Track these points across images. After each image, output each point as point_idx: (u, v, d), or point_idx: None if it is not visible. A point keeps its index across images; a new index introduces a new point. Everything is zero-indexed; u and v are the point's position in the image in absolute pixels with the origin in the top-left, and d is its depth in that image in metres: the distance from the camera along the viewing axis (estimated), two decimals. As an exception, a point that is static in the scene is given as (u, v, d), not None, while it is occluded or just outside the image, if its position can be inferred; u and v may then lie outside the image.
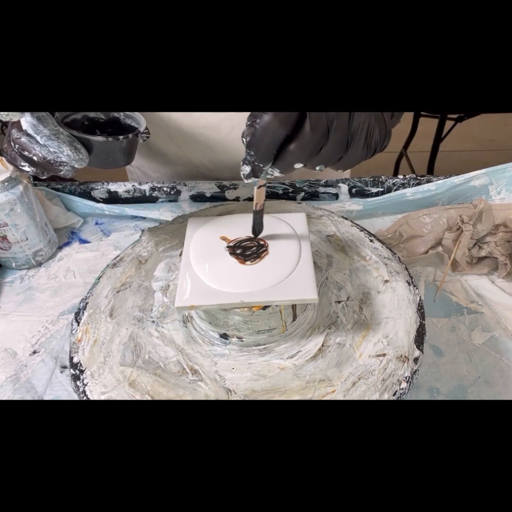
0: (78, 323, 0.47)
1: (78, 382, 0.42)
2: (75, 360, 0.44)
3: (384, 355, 0.42)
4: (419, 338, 0.44)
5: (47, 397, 0.48)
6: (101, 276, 0.53)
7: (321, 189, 0.70)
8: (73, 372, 0.43)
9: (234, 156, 0.72)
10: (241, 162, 0.36)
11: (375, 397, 0.39)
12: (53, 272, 0.64)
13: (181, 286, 0.42)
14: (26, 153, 0.41)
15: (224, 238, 0.47)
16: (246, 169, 0.36)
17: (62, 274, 0.63)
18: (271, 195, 0.70)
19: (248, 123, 0.35)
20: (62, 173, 0.41)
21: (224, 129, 0.69)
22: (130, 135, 0.43)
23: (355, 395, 0.39)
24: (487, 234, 0.59)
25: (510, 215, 0.61)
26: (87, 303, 0.49)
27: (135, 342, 0.45)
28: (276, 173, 0.37)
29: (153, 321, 0.47)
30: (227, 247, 0.46)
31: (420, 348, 0.43)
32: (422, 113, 1.90)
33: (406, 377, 0.40)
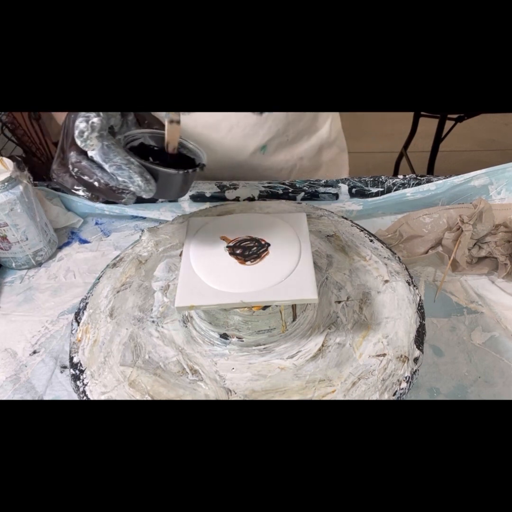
0: (78, 323, 0.47)
1: (78, 382, 0.42)
2: (75, 360, 0.44)
3: (384, 355, 0.42)
4: (419, 338, 0.44)
5: (47, 397, 0.48)
6: (101, 276, 0.53)
7: (321, 189, 0.70)
8: (73, 372, 0.43)
9: (233, 155, 0.72)
10: None
11: (375, 397, 0.39)
12: (53, 272, 0.64)
13: (181, 286, 0.42)
14: (86, 178, 0.39)
15: (224, 238, 0.47)
16: None
17: (62, 274, 0.63)
18: (271, 195, 0.70)
19: None
20: (123, 200, 0.40)
21: (223, 129, 0.69)
22: (198, 169, 0.43)
23: (355, 395, 0.39)
24: (487, 234, 0.59)
25: (510, 215, 0.61)
26: (87, 303, 0.49)
27: (135, 342, 0.45)
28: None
29: (153, 321, 0.47)
30: (227, 247, 0.46)
31: (420, 348, 0.43)
32: (422, 113, 1.90)
33: (406, 377, 0.40)
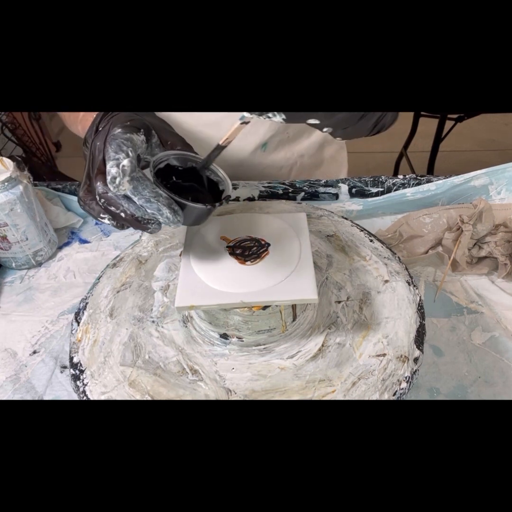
0: (78, 323, 0.47)
1: (78, 382, 0.42)
2: (75, 360, 0.44)
3: (384, 355, 0.42)
4: (419, 338, 0.44)
5: (47, 397, 0.48)
6: (101, 276, 0.53)
7: (321, 189, 0.70)
8: (73, 372, 0.43)
9: (235, 153, 0.72)
10: None
11: (375, 397, 0.39)
12: (53, 272, 0.64)
13: (181, 286, 0.42)
14: (113, 208, 0.39)
15: (224, 238, 0.47)
16: None
17: (62, 274, 0.63)
18: (271, 195, 0.70)
19: None
20: (149, 230, 0.40)
21: (225, 126, 0.69)
22: (223, 201, 0.43)
23: (355, 395, 0.39)
24: (487, 234, 0.59)
25: (510, 215, 0.61)
26: (87, 303, 0.49)
27: (135, 342, 0.45)
28: (278, 118, 0.34)
29: (153, 321, 0.47)
30: (227, 247, 0.46)
31: (420, 348, 0.43)
32: (422, 113, 1.90)
33: (406, 377, 0.40)
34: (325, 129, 0.36)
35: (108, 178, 0.36)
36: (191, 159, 0.44)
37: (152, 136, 0.43)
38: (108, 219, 0.40)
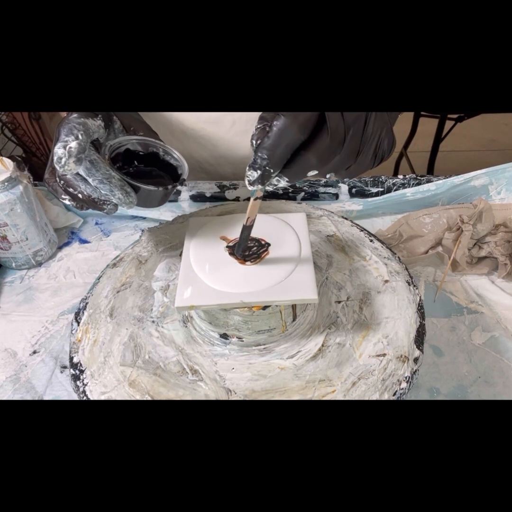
0: (78, 323, 0.47)
1: (78, 382, 0.42)
2: (75, 360, 0.44)
3: (384, 355, 0.42)
4: (419, 338, 0.44)
5: (47, 397, 0.48)
6: (101, 276, 0.53)
7: (321, 189, 0.70)
8: (73, 372, 0.43)
9: (236, 150, 0.72)
10: (248, 168, 0.34)
11: (375, 397, 0.39)
12: (53, 272, 0.64)
13: (181, 286, 0.42)
14: (71, 189, 0.41)
15: (224, 238, 0.47)
16: (254, 174, 0.34)
17: (62, 274, 0.63)
18: (271, 195, 0.70)
19: (259, 126, 0.34)
20: (105, 211, 0.42)
21: (226, 123, 0.69)
22: (177, 184, 0.45)
23: (355, 395, 0.39)
24: (487, 234, 0.59)
25: (510, 215, 0.61)
26: (87, 303, 0.49)
27: (135, 342, 0.45)
28: (283, 183, 0.35)
29: (153, 321, 0.47)
30: (227, 247, 0.46)
31: (420, 348, 0.43)
32: (422, 113, 1.90)
33: (406, 377, 0.40)
34: (328, 176, 0.37)
35: (55, 158, 0.38)
36: (153, 144, 0.46)
37: (114, 121, 0.45)
38: (69, 200, 0.42)
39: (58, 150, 0.37)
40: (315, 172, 0.35)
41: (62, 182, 0.41)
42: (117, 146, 0.44)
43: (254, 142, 0.34)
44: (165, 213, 0.70)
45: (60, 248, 0.68)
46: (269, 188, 0.36)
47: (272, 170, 0.33)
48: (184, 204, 0.71)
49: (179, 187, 0.70)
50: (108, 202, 0.42)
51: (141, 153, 0.47)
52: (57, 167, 0.38)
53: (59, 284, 0.61)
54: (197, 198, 0.71)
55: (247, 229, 0.42)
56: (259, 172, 0.33)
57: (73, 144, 0.37)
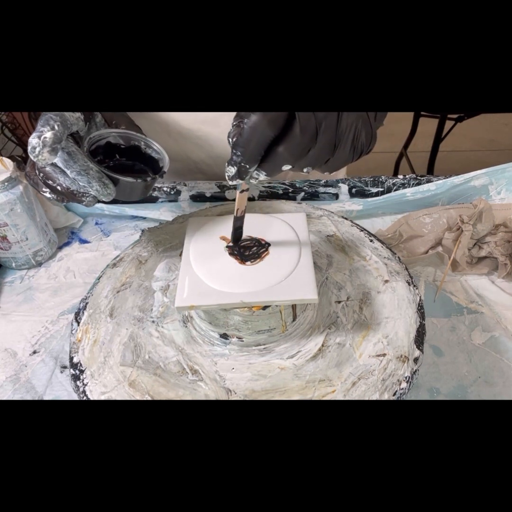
0: (78, 323, 0.47)
1: (78, 382, 0.42)
2: (75, 360, 0.44)
3: (384, 355, 0.42)
4: (419, 338, 0.44)
5: (47, 397, 0.48)
6: (101, 276, 0.53)
7: (321, 189, 0.70)
8: (73, 372, 0.43)
9: None
10: (226, 164, 0.35)
11: (375, 397, 0.39)
12: (53, 272, 0.64)
13: (181, 286, 0.42)
14: (50, 182, 0.41)
15: (224, 238, 0.47)
16: (231, 170, 0.35)
17: (62, 274, 0.63)
18: (271, 195, 0.70)
19: (234, 123, 0.34)
20: (84, 203, 0.42)
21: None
22: (157, 176, 0.45)
23: (355, 395, 0.39)
24: (487, 234, 0.59)
25: (510, 215, 0.61)
26: (87, 303, 0.49)
27: (135, 342, 0.45)
28: (262, 176, 0.36)
29: (153, 321, 0.47)
30: (227, 247, 0.46)
31: (420, 348, 0.43)
32: (422, 113, 1.90)
33: (406, 377, 0.40)
34: (305, 170, 0.37)
35: (29, 148, 0.38)
36: (134, 137, 0.46)
37: (95, 115, 0.45)
38: (49, 193, 0.42)
39: (32, 140, 0.37)
40: (290, 166, 0.36)
41: (41, 174, 0.41)
42: (97, 139, 0.45)
43: (230, 139, 0.35)
44: (165, 213, 0.70)
45: (60, 248, 0.68)
46: (253, 182, 0.37)
47: (247, 166, 0.35)
48: (184, 204, 0.71)
49: (179, 188, 0.70)
50: (87, 194, 0.42)
51: (122, 146, 0.47)
52: (31, 157, 0.38)
53: (59, 284, 0.61)
54: (197, 198, 0.71)
55: (238, 219, 0.44)
56: (236, 168, 0.35)
57: (48, 134, 0.37)
